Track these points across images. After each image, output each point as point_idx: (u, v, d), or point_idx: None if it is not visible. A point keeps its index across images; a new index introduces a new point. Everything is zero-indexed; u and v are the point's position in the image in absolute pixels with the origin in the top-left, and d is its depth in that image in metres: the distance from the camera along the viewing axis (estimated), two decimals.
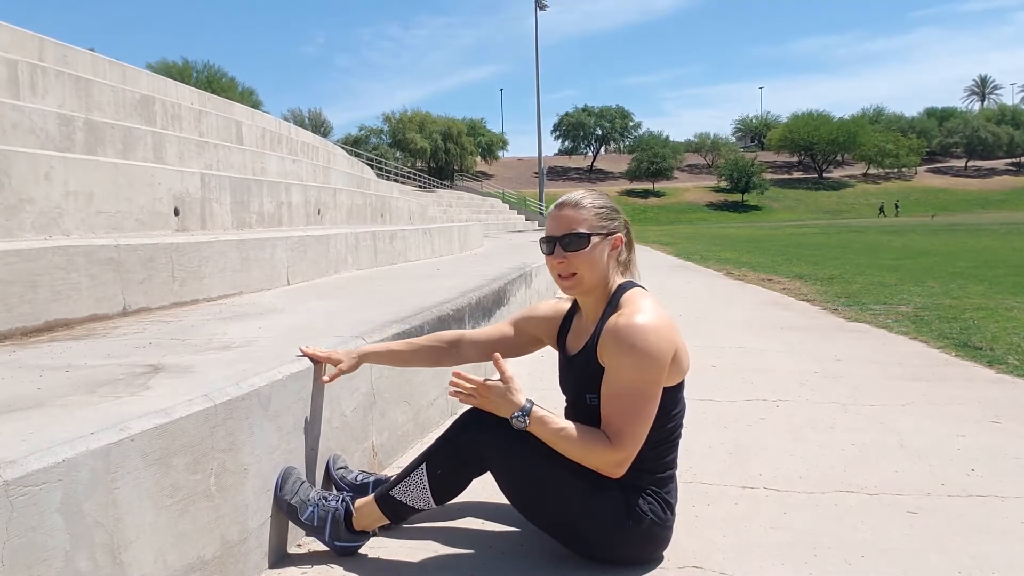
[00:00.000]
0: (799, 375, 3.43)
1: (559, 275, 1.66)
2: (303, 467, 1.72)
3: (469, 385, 1.63)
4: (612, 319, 1.58)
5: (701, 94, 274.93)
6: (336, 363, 1.84)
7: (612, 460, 1.54)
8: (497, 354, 1.68)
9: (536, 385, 2.96)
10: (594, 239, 1.63)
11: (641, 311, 1.56)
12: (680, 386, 1.65)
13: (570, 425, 1.57)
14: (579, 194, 1.70)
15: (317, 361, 1.83)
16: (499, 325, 1.98)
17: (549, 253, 1.66)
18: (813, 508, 1.90)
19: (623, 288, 1.67)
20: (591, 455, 1.54)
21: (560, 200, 1.71)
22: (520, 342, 1.93)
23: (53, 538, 1.07)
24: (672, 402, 1.62)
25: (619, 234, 1.69)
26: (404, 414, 2.33)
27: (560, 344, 1.84)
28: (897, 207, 52.83)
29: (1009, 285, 6.90)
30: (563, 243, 1.63)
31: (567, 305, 1.87)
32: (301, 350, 1.84)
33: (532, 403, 1.58)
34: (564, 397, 1.80)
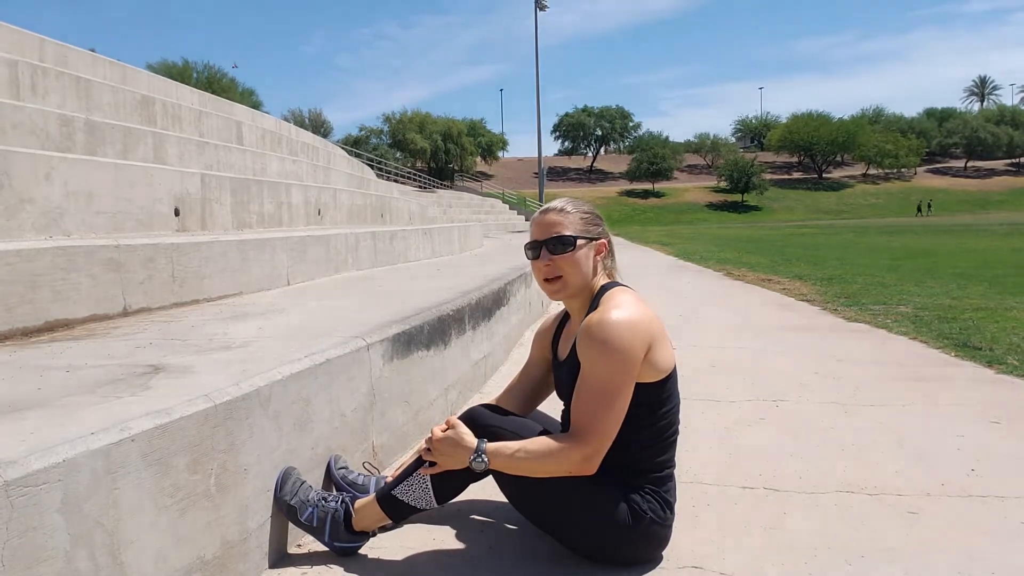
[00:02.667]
0: (799, 375, 3.43)
1: (545, 279, 1.67)
2: (303, 467, 1.72)
3: (424, 446, 1.65)
4: (588, 317, 1.59)
5: (700, 94, 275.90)
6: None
7: (577, 457, 1.51)
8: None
9: None
10: (580, 242, 1.65)
11: (617, 307, 1.57)
12: (665, 383, 1.62)
13: (525, 442, 1.56)
14: (563, 201, 1.72)
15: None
16: (522, 368, 1.96)
17: (535, 257, 1.67)
18: (813, 508, 1.90)
19: (605, 288, 1.67)
20: (557, 459, 1.52)
21: (544, 207, 1.72)
22: (544, 371, 1.91)
23: (53, 538, 1.07)
24: (659, 400, 1.61)
25: (603, 240, 1.71)
26: (404, 414, 2.33)
27: (553, 350, 1.84)
28: (930, 206, 53.81)
29: (1008, 285, 6.91)
30: (549, 246, 1.64)
31: (560, 314, 1.88)
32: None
33: (483, 440, 1.58)
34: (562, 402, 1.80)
